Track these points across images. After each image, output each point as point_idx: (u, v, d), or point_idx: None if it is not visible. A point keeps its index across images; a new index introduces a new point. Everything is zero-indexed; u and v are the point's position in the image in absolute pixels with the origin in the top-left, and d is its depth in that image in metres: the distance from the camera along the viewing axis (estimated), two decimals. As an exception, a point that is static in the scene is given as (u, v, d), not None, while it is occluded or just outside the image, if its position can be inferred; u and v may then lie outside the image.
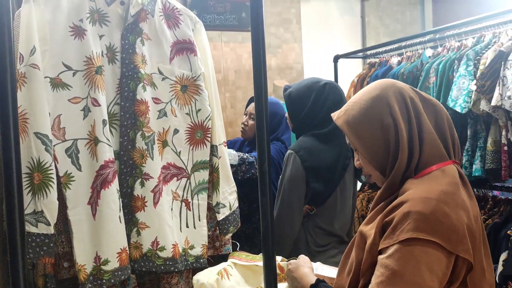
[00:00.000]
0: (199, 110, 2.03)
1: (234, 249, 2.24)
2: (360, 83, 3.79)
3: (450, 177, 1.25)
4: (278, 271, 1.78)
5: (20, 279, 1.12)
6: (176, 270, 1.86)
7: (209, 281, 1.65)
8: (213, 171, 2.10)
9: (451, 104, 2.73)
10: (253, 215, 2.84)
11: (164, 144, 1.95)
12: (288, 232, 2.20)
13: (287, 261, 1.72)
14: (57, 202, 1.63)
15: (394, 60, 3.61)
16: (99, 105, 1.72)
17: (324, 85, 2.30)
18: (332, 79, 3.82)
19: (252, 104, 3.09)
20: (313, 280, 1.49)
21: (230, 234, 2.16)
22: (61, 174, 1.67)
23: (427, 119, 1.30)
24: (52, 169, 1.62)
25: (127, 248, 1.78)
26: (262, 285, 1.74)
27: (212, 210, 2.11)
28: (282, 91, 2.56)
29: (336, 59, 4.13)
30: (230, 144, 3.09)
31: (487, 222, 2.71)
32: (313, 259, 1.94)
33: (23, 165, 1.57)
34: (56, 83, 1.69)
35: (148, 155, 1.84)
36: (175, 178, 1.97)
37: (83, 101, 1.72)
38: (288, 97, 2.35)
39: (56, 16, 1.71)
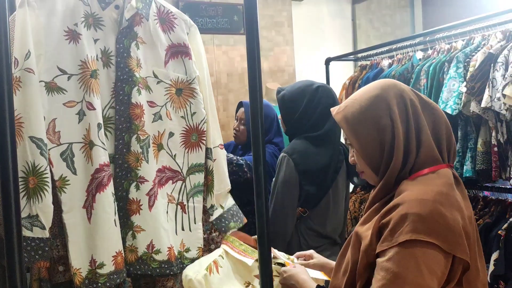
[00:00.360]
0: (194, 113, 2.04)
1: None
2: (351, 85, 3.81)
3: (444, 179, 1.26)
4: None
5: (18, 283, 1.13)
6: (171, 273, 1.87)
7: (197, 277, 1.64)
8: (208, 174, 2.10)
9: (441, 106, 2.76)
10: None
11: (160, 147, 1.96)
12: (281, 234, 2.21)
13: (281, 265, 1.72)
14: (52, 206, 1.64)
15: (385, 63, 3.64)
16: (94, 109, 1.73)
17: (317, 88, 2.31)
18: (324, 81, 3.83)
19: (242, 109, 3.10)
20: (313, 286, 1.50)
21: (232, 230, 2.15)
22: (56, 177, 1.68)
23: (425, 122, 1.30)
24: (47, 173, 1.62)
25: (122, 252, 1.78)
26: (253, 282, 1.75)
27: (207, 212, 2.11)
28: (274, 94, 2.58)
29: (327, 61, 4.15)
30: (224, 148, 3.11)
31: (478, 222, 2.73)
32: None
33: (19, 169, 1.57)
34: (51, 87, 1.69)
35: (143, 158, 1.84)
36: (170, 181, 1.98)
37: (78, 105, 1.72)
38: (281, 100, 2.36)
39: (51, 20, 1.71)
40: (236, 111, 3.20)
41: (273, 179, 2.34)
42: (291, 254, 1.85)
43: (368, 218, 1.31)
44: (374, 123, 1.30)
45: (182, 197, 2.01)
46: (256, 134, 1.45)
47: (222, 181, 2.17)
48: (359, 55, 4.16)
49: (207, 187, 2.11)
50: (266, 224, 1.49)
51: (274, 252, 1.79)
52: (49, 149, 1.66)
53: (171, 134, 1.99)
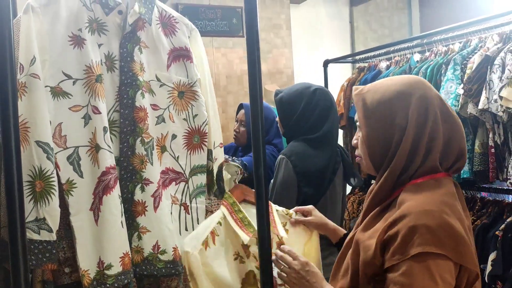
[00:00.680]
0: (196, 115, 2.07)
1: None
2: (349, 87, 3.81)
3: (446, 188, 1.25)
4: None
5: (22, 286, 1.15)
6: (177, 273, 1.89)
7: (194, 253, 1.62)
8: (208, 173, 2.13)
9: (439, 108, 2.77)
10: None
11: (163, 149, 1.99)
12: None
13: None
14: (59, 209, 1.66)
15: (383, 65, 3.66)
16: (100, 113, 1.75)
17: (314, 90, 2.33)
18: (322, 83, 3.86)
19: (242, 111, 3.13)
20: None
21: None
22: (63, 181, 1.70)
23: (441, 134, 1.27)
24: (53, 177, 1.64)
25: (129, 253, 1.81)
26: (240, 252, 1.74)
27: (210, 212, 2.14)
28: (273, 96, 2.60)
29: (325, 63, 4.16)
30: (225, 150, 3.13)
31: (475, 223, 2.76)
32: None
33: (25, 173, 1.59)
34: (57, 92, 1.72)
35: (147, 160, 1.87)
36: (173, 183, 2.01)
37: (84, 109, 1.75)
38: (279, 102, 2.38)
39: (55, 26, 1.73)
40: (237, 113, 3.22)
41: (272, 180, 2.36)
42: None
43: (369, 225, 1.29)
44: (389, 118, 1.28)
45: (185, 198, 2.03)
46: (257, 137, 1.46)
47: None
48: (357, 57, 4.18)
49: (207, 187, 2.14)
50: (267, 224, 1.51)
51: (272, 206, 1.82)
52: (55, 153, 1.68)
53: (174, 136, 2.02)
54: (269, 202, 1.79)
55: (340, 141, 3.77)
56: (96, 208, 1.73)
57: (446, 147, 1.28)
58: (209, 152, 2.12)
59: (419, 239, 1.13)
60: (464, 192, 2.97)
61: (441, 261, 1.13)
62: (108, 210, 1.73)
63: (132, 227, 1.86)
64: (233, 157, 2.84)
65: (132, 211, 1.86)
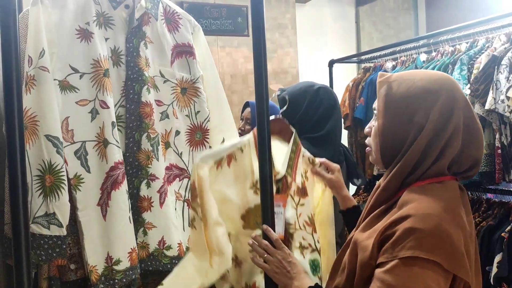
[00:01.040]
0: (198, 112, 2.06)
1: None
2: (355, 87, 3.82)
3: (451, 192, 1.22)
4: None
5: (25, 282, 1.13)
6: None
7: (203, 166, 1.59)
8: None
9: (445, 108, 2.75)
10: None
11: (167, 145, 1.98)
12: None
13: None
14: (69, 204, 1.65)
15: (389, 65, 3.64)
16: (108, 107, 1.74)
17: (318, 89, 2.31)
18: (327, 83, 3.84)
19: (248, 109, 3.11)
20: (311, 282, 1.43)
21: None
22: (70, 176, 1.69)
23: (460, 141, 1.22)
24: (63, 171, 1.63)
25: (136, 248, 1.80)
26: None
27: None
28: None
29: (331, 63, 4.14)
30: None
31: (481, 224, 2.74)
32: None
33: (34, 168, 1.58)
34: (64, 86, 1.71)
35: (153, 156, 1.86)
36: (177, 179, 2.00)
37: (91, 103, 1.74)
38: (283, 100, 2.36)
39: (63, 19, 1.72)
40: (242, 111, 3.20)
41: None
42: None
43: (368, 225, 1.27)
44: (409, 114, 1.23)
45: (189, 194, 2.01)
46: (263, 136, 1.46)
47: None
48: (363, 57, 4.16)
49: None
50: (271, 218, 1.50)
51: (302, 149, 1.81)
52: (63, 148, 1.68)
53: (177, 133, 2.01)
54: (300, 144, 1.81)
55: (345, 142, 3.76)
56: (104, 203, 1.72)
57: (461, 155, 1.24)
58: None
59: (412, 242, 1.11)
60: (469, 193, 2.96)
61: (429, 270, 1.10)
62: (117, 205, 1.72)
63: (138, 223, 1.85)
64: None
65: (137, 207, 1.85)
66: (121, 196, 1.73)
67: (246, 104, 3.17)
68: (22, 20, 1.68)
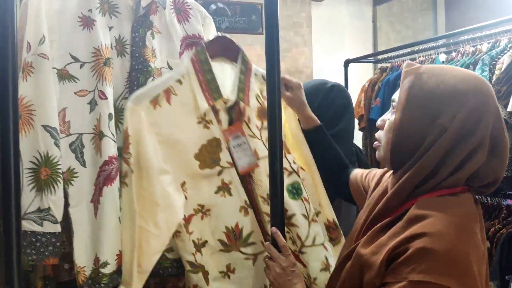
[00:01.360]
0: None
1: None
2: (371, 87, 3.78)
3: (467, 207, 1.11)
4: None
5: (15, 281, 1.08)
6: (182, 272, 1.78)
7: (136, 108, 1.50)
8: None
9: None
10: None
11: None
12: None
13: None
14: (63, 199, 1.55)
15: (407, 65, 3.55)
16: (106, 98, 1.64)
17: (331, 87, 2.24)
18: (343, 83, 3.77)
19: None
20: None
21: None
22: (64, 169, 1.59)
23: (485, 154, 1.11)
24: (60, 164, 1.53)
25: None
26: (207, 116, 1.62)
27: None
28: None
29: (346, 63, 4.10)
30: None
31: (501, 231, 2.64)
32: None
33: (27, 160, 1.48)
34: (63, 75, 1.61)
35: None
36: None
37: (90, 94, 1.64)
38: None
39: (66, 5, 1.63)
40: None
41: None
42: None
43: (371, 239, 1.15)
44: (433, 113, 1.10)
45: None
46: (273, 130, 1.39)
47: None
48: (379, 57, 4.12)
49: None
50: (282, 225, 1.42)
51: (253, 67, 1.74)
52: None
53: None
54: (251, 63, 1.74)
55: (360, 143, 3.69)
56: (96, 200, 1.60)
57: (482, 170, 1.12)
58: None
59: (424, 265, 1.00)
60: (489, 199, 2.86)
61: None
62: (108, 202, 1.59)
63: None
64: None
65: None
66: (112, 194, 1.60)
67: None
68: (24, 6, 1.60)
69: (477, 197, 1.18)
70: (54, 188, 1.50)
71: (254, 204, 1.68)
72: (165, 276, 1.75)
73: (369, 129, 3.75)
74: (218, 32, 1.85)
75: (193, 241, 1.61)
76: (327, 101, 2.19)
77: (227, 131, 1.63)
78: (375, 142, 1.28)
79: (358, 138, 3.60)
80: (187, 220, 1.59)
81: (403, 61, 3.66)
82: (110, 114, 1.64)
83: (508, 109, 2.50)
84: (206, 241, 1.63)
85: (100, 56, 1.64)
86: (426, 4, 5.32)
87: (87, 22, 1.65)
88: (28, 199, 1.47)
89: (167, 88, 1.58)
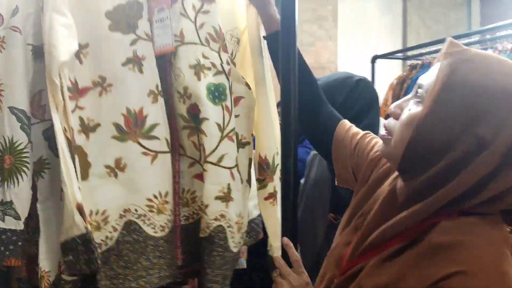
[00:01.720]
0: None
1: None
2: (399, 85, 3.66)
3: (499, 231, 0.89)
4: None
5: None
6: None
7: None
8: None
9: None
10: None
11: None
12: (309, 244, 1.97)
13: None
14: (31, 192, 1.36)
15: (438, 62, 3.37)
16: None
17: (358, 81, 2.06)
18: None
19: None
20: None
21: (245, 246, 1.82)
22: (34, 159, 1.40)
23: None
24: (27, 152, 1.33)
25: None
26: None
27: None
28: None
29: (374, 59, 3.94)
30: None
31: None
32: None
33: None
34: (39, 53, 1.42)
35: None
36: None
37: None
38: None
39: None
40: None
41: (302, 179, 2.11)
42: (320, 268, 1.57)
43: (377, 268, 0.94)
44: (470, 118, 0.85)
45: None
46: (287, 120, 1.23)
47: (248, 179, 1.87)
48: (409, 53, 3.94)
49: None
50: (294, 235, 1.24)
51: None
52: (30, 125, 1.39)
53: None
54: None
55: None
56: None
57: None
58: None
59: None
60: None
61: None
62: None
63: None
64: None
65: None
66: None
67: None
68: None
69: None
70: (18, 179, 1.31)
71: (168, 97, 1.42)
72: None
73: (396, 129, 3.56)
74: None
75: (80, 118, 1.33)
76: (353, 96, 2.03)
77: (154, 1, 1.37)
78: (383, 132, 1.01)
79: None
80: (81, 92, 1.32)
81: (434, 58, 3.45)
82: None
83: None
84: (98, 124, 1.34)
85: None
86: (460, -1, 5.13)
87: None
88: None
89: None
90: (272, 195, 1.57)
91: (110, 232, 1.34)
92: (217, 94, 1.40)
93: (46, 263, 1.35)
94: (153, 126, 1.37)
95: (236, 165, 1.44)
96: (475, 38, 3.26)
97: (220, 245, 1.41)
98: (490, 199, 0.85)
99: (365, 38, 4.82)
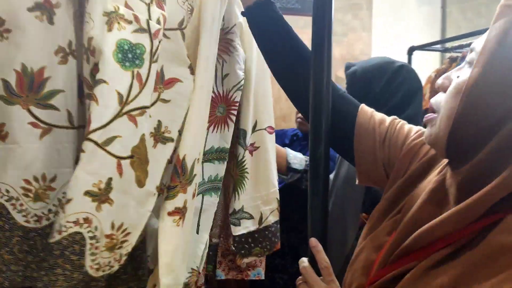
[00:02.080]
0: (226, 75, 1.46)
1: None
2: (438, 78, 3.37)
3: None
4: None
5: None
6: None
7: None
8: (237, 166, 1.57)
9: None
10: (302, 223, 2.39)
11: None
12: (338, 245, 1.79)
13: None
14: None
15: (481, 55, 3.17)
16: None
17: (400, 66, 1.92)
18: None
19: None
20: None
21: (254, 258, 1.64)
22: None
23: None
24: None
25: None
26: None
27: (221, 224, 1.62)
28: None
29: (410, 50, 3.74)
30: (277, 136, 2.58)
31: None
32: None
33: None
34: None
35: None
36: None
37: None
38: (352, 78, 1.94)
39: None
40: None
41: (332, 175, 1.91)
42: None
43: (422, 278, 0.78)
44: None
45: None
46: (318, 105, 1.07)
47: (267, 179, 1.65)
48: (448, 45, 3.72)
49: (233, 185, 1.60)
50: (323, 235, 1.12)
51: None
52: None
53: None
54: None
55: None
56: None
57: None
58: (241, 134, 1.55)
59: None
60: None
61: None
62: None
63: None
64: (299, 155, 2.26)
65: None
66: None
67: None
68: None
69: None
70: None
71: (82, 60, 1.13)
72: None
73: (433, 125, 3.38)
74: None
75: None
76: (394, 84, 1.89)
77: None
78: (428, 115, 0.87)
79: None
80: None
81: None
82: None
83: None
84: None
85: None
86: (505, -10, 4.87)
87: None
88: None
89: None
90: (179, 211, 1.19)
91: None
92: (130, 56, 1.07)
93: None
94: (53, 93, 1.09)
95: (132, 158, 1.07)
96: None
97: (71, 260, 1.01)
98: None
99: (401, 29, 4.62)
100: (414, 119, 1.86)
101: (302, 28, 4.03)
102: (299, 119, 2.53)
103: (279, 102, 3.85)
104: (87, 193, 1.00)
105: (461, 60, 3.41)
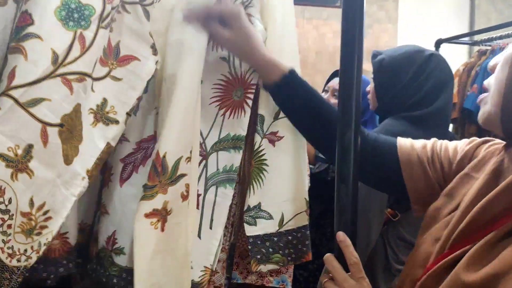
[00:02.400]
0: None
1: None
2: (466, 72, 3.46)
3: None
4: None
5: None
6: None
7: None
8: (252, 156, 1.39)
9: None
10: (323, 217, 2.32)
11: None
12: (362, 242, 1.71)
13: None
14: None
15: (512, 48, 3.08)
16: None
17: (430, 56, 1.81)
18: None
19: (336, 80, 2.62)
20: None
21: (273, 266, 1.41)
22: None
23: None
24: None
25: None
26: None
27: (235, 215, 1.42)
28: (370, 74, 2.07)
29: (438, 43, 3.65)
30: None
31: None
32: (393, 279, 1.65)
33: None
34: None
35: None
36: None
37: None
38: (379, 66, 1.86)
39: None
40: (327, 82, 2.73)
41: None
42: (374, 270, 1.43)
43: (482, 256, 0.74)
44: None
45: (198, 183, 1.29)
46: (348, 85, 1.00)
47: (290, 176, 1.44)
48: (477, 37, 3.70)
49: (248, 178, 1.42)
50: (353, 228, 0.99)
51: None
52: None
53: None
54: None
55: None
56: None
57: None
58: (259, 119, 1.37)
59: None
60: None
61: None
62: None
63: (96, 202, 1.25)
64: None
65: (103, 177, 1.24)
66: None
67: (334, 74, 2.69)
68: None
69: None
70: None
71: None
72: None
73: (462, 121, 3.40)
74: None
75: None
76: (423, 73, 1.79)
77: None
78: (483, 94, 0.82)
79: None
80: None
81: (507, 44, 3.17)
82: None
83: None
84: None
85: None
86: (537, -19, 4.81)
87: None
88: None
89: None
90: (157, 213, 1.09)
91: None
92: (76, 15, 0.96)
93: None
94: None
95: (62, 127, 0.94)
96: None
97: None
98: None
99: (428, 21, 4.56)
100: (443, 112, 1.78)
101: (326, 20, 4.01)
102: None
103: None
104: (0, 156, 0.86)
105: (490, 53, 3.33)
